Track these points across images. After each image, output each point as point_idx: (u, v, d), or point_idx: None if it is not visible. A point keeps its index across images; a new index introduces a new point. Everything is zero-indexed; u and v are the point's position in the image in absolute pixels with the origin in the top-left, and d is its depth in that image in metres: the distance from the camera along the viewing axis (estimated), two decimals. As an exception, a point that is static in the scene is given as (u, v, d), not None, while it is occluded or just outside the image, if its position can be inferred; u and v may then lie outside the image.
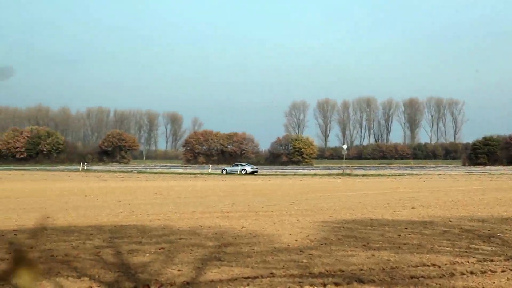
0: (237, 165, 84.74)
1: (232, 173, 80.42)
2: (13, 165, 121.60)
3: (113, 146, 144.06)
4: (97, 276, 9.73)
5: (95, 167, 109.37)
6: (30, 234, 14.46)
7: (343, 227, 16.72)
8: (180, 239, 14.14)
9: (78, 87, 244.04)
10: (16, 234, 14.47)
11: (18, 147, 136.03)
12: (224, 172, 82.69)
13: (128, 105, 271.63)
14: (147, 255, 11.87)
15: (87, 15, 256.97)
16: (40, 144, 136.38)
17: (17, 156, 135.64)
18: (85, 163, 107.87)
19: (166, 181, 52.75)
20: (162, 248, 12.68)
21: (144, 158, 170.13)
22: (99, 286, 9.03)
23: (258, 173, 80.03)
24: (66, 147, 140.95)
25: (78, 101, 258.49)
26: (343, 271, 10.23)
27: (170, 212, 21.05)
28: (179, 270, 10.29)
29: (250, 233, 15.27)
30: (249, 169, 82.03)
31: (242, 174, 78.44)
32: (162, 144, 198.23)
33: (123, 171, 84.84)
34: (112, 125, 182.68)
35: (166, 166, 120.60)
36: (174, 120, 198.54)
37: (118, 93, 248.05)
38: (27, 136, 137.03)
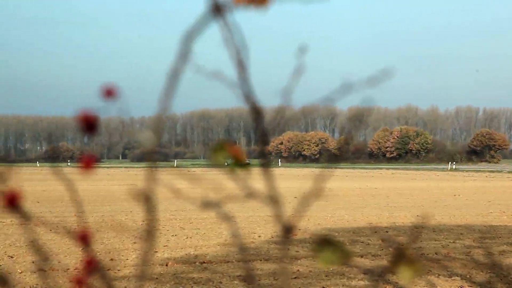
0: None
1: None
2: (383, 164, 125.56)
3: (481, 145, 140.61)
4: (468, 276, 9.62)
5: (463, 166, 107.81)
6: (401, 232, 14.82)
7: None
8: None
9: (447, 86, 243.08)
10: (387, 231, 14.93)
11: (388, 147, 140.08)
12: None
13: (498, 103, 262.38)
14: (520, 257, 11.41)
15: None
16: (409, 144, 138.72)
17: (387, 155, 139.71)
18: (453, 162, 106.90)
19: (540, 181, 49.85)
20: (536, 252, 12.08)
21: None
22: (471, 286, 8.92)
23: None
24: (434, 146, 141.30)
25: (447, 100, 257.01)
26: None
27: (544, 214, 19.91)
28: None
29: None
30: None
31: None
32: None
33: (492, 171, 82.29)
34: (481, 124, 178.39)
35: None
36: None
37: (488, 91, 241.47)
38: (397, 136, 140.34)
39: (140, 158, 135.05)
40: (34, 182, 39.23)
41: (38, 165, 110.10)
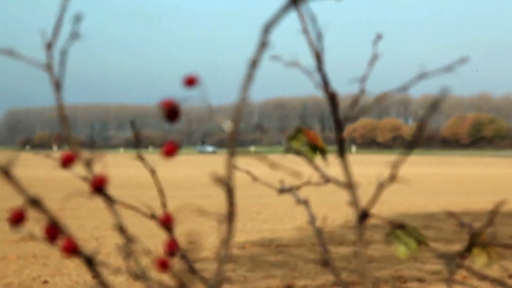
0: (202, 146, 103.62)
1: (203, 152, 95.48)
2: (456, 151, 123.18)
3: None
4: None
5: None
6: (475, 217, 14.50)
7: None
8: None
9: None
10: (461, 217, 14.63)
11: (461, 133, 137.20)
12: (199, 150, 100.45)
13: None
14: None
15: None
16: (482, 131, 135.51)
17: (461, 142, 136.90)
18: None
19: None
20: None
21: None
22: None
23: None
24: (509, 133, 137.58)
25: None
26: None
27: None
28: None
29: None
30: (209, 149, 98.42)
31: (205, 153, 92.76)
32: None
33: None
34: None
35: None
36: None
37: None
38: (470, 123, 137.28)
39: (218, 145, 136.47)
40: (118, 167, 40.14)
41: (121, 151, 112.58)
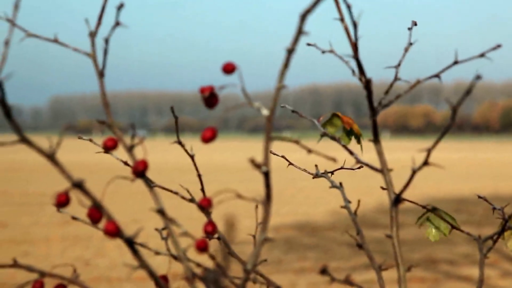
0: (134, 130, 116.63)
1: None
2: (487, 136, 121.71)
3: None
4: None
5: None
6: (505, 201, 14.31)
7: None
8: None
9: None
10: (491, 201, 14.46)
11: (492, 120, 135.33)
12: None
13: None
14: None
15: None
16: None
17: (492, 128, 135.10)
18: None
19: None
20: None
21: None
22: None
23: None
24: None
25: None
26: None
27: None
28: None
29: None
30: (141, 133, 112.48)
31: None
32: None
33: None
34: None
35: None
36: None
37: None
38: (501, 109, 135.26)
39: (254, 130, 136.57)
40: (156, 153, 40.40)
41: (159, 136, 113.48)
